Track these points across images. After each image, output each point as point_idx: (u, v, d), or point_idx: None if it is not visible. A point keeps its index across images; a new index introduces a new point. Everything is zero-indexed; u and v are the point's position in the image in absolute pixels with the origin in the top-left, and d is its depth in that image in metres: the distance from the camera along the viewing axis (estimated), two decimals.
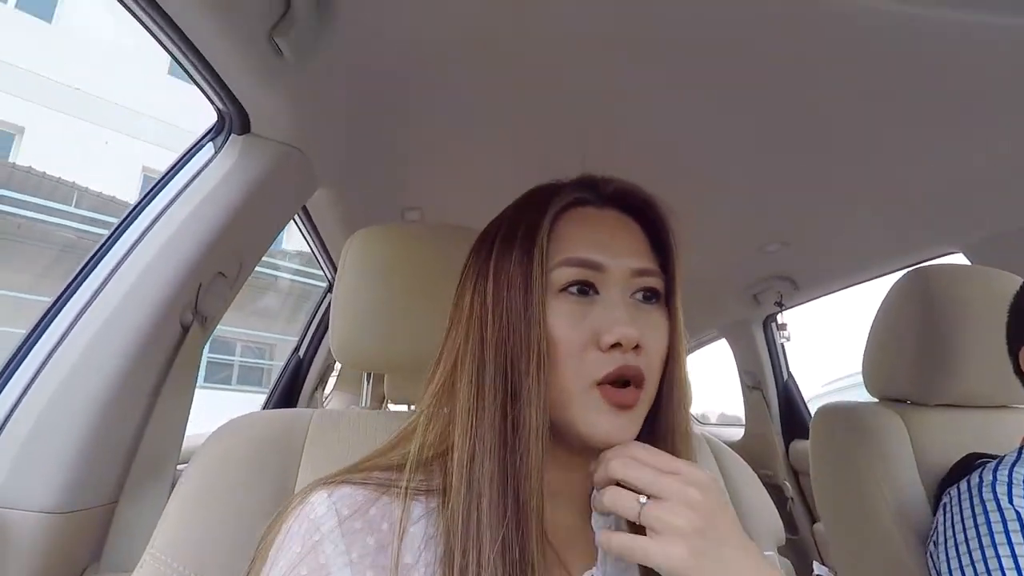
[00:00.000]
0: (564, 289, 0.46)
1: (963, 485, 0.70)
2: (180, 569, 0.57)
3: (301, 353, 2.02)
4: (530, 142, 1.13)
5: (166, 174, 0.91)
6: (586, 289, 0.47)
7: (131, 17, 0.69)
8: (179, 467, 0.87)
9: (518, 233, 0.48)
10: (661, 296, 0.50)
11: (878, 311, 1.05)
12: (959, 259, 1.40)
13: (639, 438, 0.46)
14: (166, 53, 0.75)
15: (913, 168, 1.13)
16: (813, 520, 2.08)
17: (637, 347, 0.44)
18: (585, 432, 0.44)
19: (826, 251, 1.65)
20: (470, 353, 0.46)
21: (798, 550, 2.06)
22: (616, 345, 0.43)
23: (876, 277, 1.73)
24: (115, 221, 0.87)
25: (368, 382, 1.07)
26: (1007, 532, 0.61)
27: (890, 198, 1.26)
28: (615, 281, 0.47)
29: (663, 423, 0.48)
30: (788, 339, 2.04)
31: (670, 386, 0.48)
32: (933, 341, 0.94)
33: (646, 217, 0.52)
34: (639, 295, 0.48)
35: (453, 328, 0.50)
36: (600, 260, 0.46)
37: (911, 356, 0.96)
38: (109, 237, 0.85)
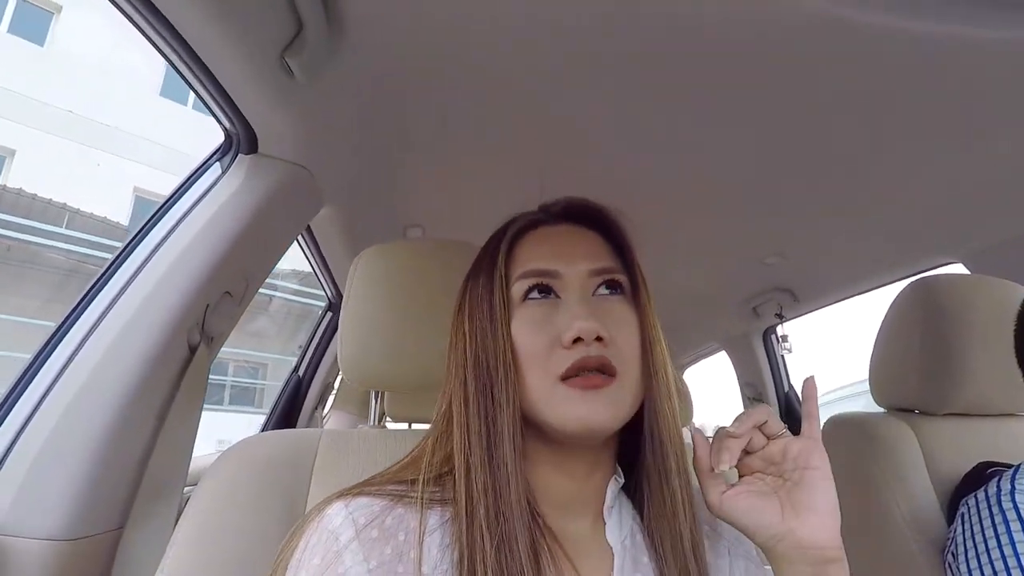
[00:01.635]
0: (526, 298, 0.50)
1: (981, 494, 0.70)
2: None
3: (301, 372, 2.01)
4: (527, 163, 1.15)
5: (173, 194, 0.91)
6: (547, 294, 0.50)
7: (130, 38, 0.70)
8: (186, 489, 0.86)
9: (484, 262, 0.53)
10: (626, 290, 0.51)
11: (883, 321, 1.06)
12: (958, 269, 1.41)
13: (625, 431, 0.49)
14: (174, 74, 0.76)
15: (911, 179, 1.14)
16: None
17: (601, 340, 0.46)
18: (560, 423, 0.45)
19: (825, 263, 1.66)
20: (458, 375, 0.50)
21: None
22: (579, 340, 0.45)
23: (875, 288, 1.74)
24: (104, 241, 0.87)
25: (376, 400, 1.06)
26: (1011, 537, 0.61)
27: (889, 209, 1.28)
28: (573, 284, 0.50)
29: (646, 422, 0.49)
30: (789, 351, 2.05)
31: (649, 378, 0.48)
32: (939, 350, 0.94)
33: (601, 225, 0.55)
34: (603, 289, 0.50)
35: (448, 356, 0.53)
36: (555, 268, 0.50)
37: (918, 366, 0.97)
38: (116, 258, 0.85)
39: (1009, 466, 0.78)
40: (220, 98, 0.79)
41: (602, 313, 0.48)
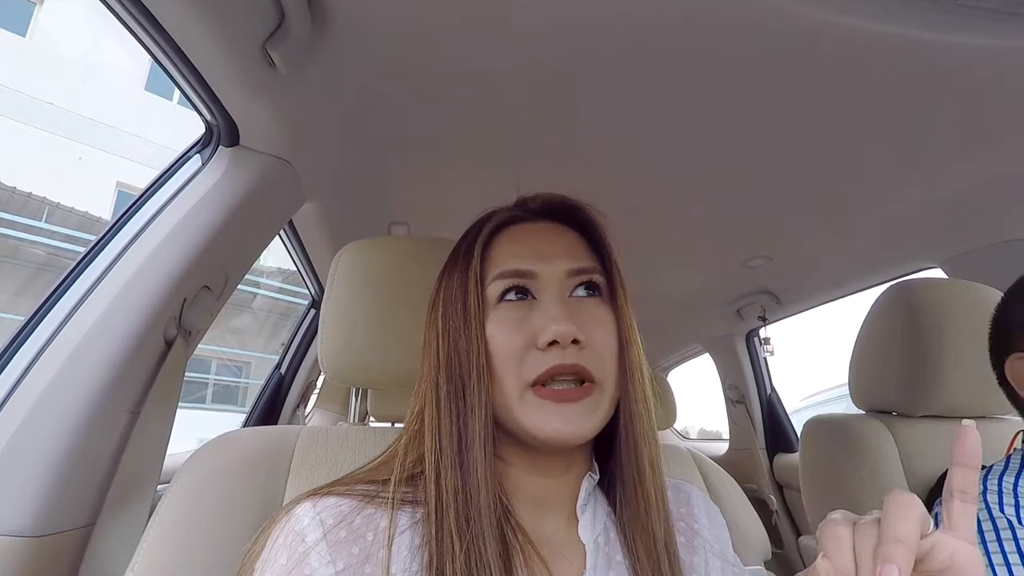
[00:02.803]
0: (501, 299, 0.49)
1: None
2: None
3: (283, 370, 1.99)
4: (510, 159, 1.14)
5: (151, 186, 0.89)
6: (523, 295, 0.49)
7: (111, 30, 0.69)
8: (160, 487, 0.84)
9: (458, 260, 0.51)
10: (604, 290, 0.51)
11: (863, 325, 1.07)
12: (937, 273, 1.44)
13: (601, 438, 0.48)
14: (159, 68, 0.74)
15: (894, 186, 1.16)
16: (798, 533, 2.09)
17: (577, 342, 0.45)
18: (534, 432, 0.45)
19: (808, 266, 1.68)
20: (430, 376, 0.49)
21: (784, 563, 2.06)
22: (555, 343, 0.45)
23: (857, 291, 1.76)
24: (83, 236, 0.85)
25: (356, 398, 1.05)
26: (1000, 541, 0.62)
27: (872, 215, 1.29)
28: (550, 284, 0.49)
29: (621, 424, 0.48)
30: (772, 353, 2.06)
31: (625, 381, 0.48)
32: (917, 353, 0.96)
33: (579, 223, 0.54)
34: (580, 290, 0.49)
35: (422, 354, 0.52)
36: (531, 268, 0.49)
37: (896, 368, 0.98)
38: (91, 249, 0.83)
39: (983, 468, 0.79)
40: (200, 88, 0.77)
41: (579, 314, 0.47)
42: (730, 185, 1.22)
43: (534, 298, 0.49)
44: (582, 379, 0.46)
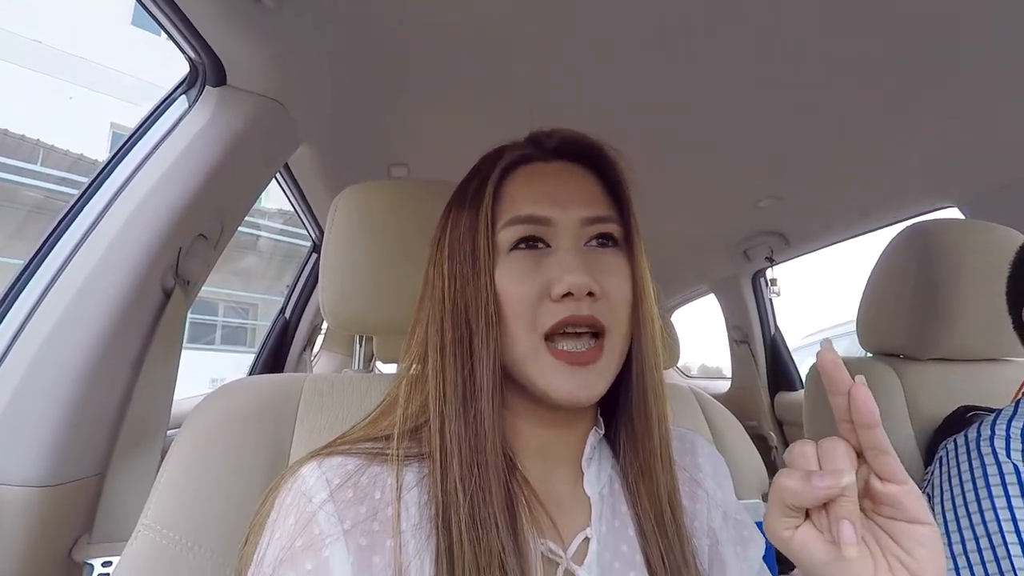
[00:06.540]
0: (514, 248, 0.46)
1: (960, 439, 0.71)
2: (177, 539, 0.56)
3: (287, 314, 1.99)
4: (517, 99, 1.09)
5: (137, 129, 0.85)
6: (535, 244, 0.46)
7: None
8: (169, 433, 0.85)
9: (467, 200, 0.48)
10: (619, 241, 0.49)
11: (875, 266, 1.05)
12: (954, 214, 1.40)
13: (609, 394, 0.46)
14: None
15: (910, 121, 1.11)
16: None
17: (592, 295, 0.44)
18: (547, 392, 0.44)
19: (819, 206, 1.64)
20: (434, 321, 0.47)
21: None
22: (569, 295, 0.43)
23: (868, 232, 1.73)
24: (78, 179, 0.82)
25: (360, 345, 1.05)
26: (1004, 486, 0.62)
27: (886, 152, 1.25)
28: (565, 232, 0.46)
29: (633, 375, 0.48)
30: (778, 294, 2.05)
31: (638, 333, 0.47)
32: (930, 296, 0.94)
33: (597, 165, 0.51)
34: (594, 242, 0.48)
35: (423, 296, 0.50)
36: (547, 214, 0.46)
37: (907, 311, 0.96)
38: (80, 198, 0.80)
39: (990, 410, 0.79)
40: (181, 24, 0.72)
41: (594, 264, 0.45)
42: (742, 123, 1.17)
43: (547, 246, 0.47)
44: (594, 331, 0.44)
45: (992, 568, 0.60)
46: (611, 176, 0.50)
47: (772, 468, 2.16)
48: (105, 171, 0.81)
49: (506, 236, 0.47)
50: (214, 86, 0.85)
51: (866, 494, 0.36)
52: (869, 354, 1.07)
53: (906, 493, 0.35)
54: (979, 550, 0.62)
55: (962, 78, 0.95)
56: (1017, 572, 0.58)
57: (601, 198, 0.49)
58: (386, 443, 0.45)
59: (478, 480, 0.41)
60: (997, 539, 0.60)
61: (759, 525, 0.49)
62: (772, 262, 2.00)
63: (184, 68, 0.87)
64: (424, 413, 0.46)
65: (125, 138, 0.86)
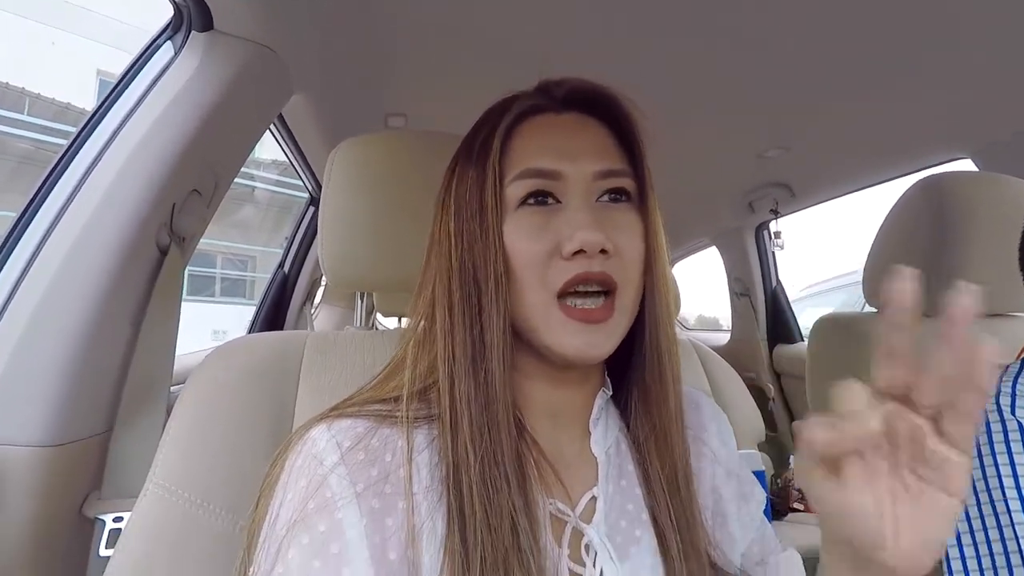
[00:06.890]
0: (523, 203, 0.45)
1: None
2: (186, 496, 0.56)
3: (286, 268, 1.97)
4: (519, 48, 1.05)
5: (122, 78, 0.81)
6: (545, 199, 0.45)
7: None
8: (173, 389, 0.85)
9: (474, 153, 0.47)
10: (632, 196, 0.47)
11: (884, 220, 1.03)
12: (967, 165, 1.36)
13: (619, 352, 0.46)
14: None
15: (921, 67, 1.06)
16: (792, 418, 2.19)
17: (605, 252, 0.43)
18: (557, 350, 0.43)
19: (827, 157, 1.60)
20: (442, 280, 0.46)
21: (777, 446, 2.18)
22: (580, 252, 0.42)
23: (875, 184, 1.70)
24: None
25: (361, 301, 1.04)
26: (1007, 443, 0.62)
27: (896, 99, 1.20)
28: (576, 187, 0.45)
29: (647, 336, 0.47)
30: (782, 247, 2.04)
31: (651, 291, 0.46)
32: (941, 250, 0.92)
33: (610, 116, 0.49)
34: (606, 197, 0.46)
35: (429, 254, 0.49)
36: (557, 168, 0.45)
37: (917, 265, 0.95)
38: (68, 150, 0.77)
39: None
40: None
41: (606, 220, 0.44)
42: (748, 71, 1.13)
43: (558, 201, 0.45)
44: (606, 289, 0.44)
45: (991, 522, 0.61)
46: (624, 128, 0.48)
47: (768, 417, 2.21)
48: (92, 122, 0.78)
49: (514, 191, 0.45)
50: (200, 31, 0.81)
51: (911, 450, 0.31)
52: (874, 309, 1.06)
53: (964, 465, 0.30)
54: (978, 504, 0.62)
55: (974, 24, 0.90)
56: (1016, 528, 0.58)
57: (614, 151, 0.47)
58: (395, 405, 0.44)
59: (488, 441, 0.41)
60: (997, 494, 0.61)
61: (758, 476, 0.49)
62: (777, 215, 1.97)
63: (168, 11, 0.83)
64: (432, 374, 0.45)
65: (112, 86, 0.82)
